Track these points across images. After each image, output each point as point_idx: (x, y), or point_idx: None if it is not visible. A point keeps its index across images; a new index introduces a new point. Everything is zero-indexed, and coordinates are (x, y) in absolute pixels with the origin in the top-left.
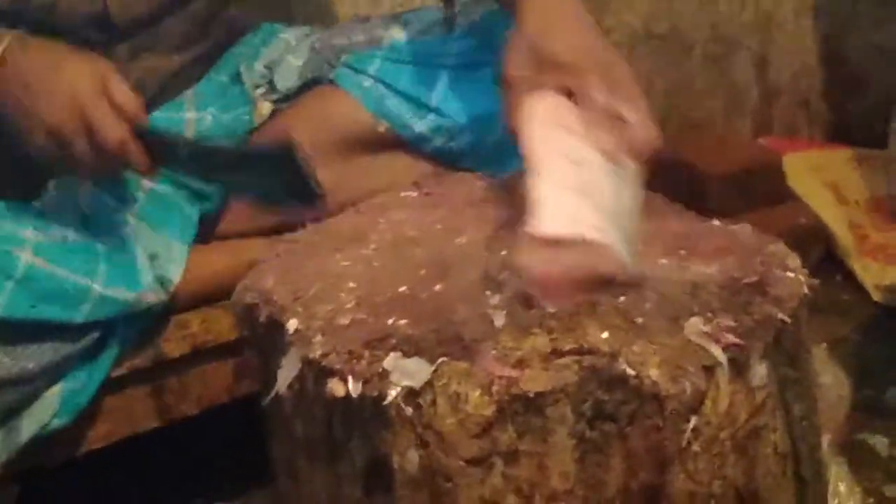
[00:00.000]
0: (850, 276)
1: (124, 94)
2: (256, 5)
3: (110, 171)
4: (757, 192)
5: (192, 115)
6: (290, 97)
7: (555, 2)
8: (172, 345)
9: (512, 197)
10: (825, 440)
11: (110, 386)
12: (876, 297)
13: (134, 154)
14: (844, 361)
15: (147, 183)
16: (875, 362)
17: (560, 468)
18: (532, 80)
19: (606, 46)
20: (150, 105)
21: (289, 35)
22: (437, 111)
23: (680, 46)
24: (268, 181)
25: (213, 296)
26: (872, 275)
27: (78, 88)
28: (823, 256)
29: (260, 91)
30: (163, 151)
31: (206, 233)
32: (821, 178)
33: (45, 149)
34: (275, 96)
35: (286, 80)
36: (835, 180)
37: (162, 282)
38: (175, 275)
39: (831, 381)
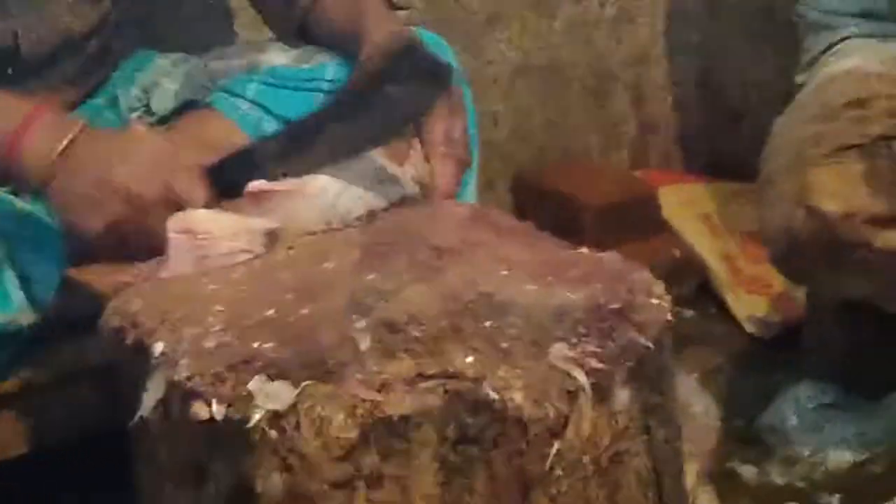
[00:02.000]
0: (723, 308)
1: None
2: (139, 36)
3: None
4: (632, 224)
5: None
6: (166, 120)
7: (381, 30)
8: (43, 369)
9: (379, 221)
10: (695, 469)
11: None
12: (748, 328)
13: None
14: (716, 391)
15: (21, 204)
16: (746, 392)
17: (423, 491)
18: None
19: None
20: None
21: (165, 60)
22: None
23: (559, 80)
24: (396, 93)
25: (85, 319)
26: (745, 306)
27: (160, 157)
28: (698, 288)
29: (136, 114)
30: (244, 171)
31: (80, 255)
32: (695, 211)
33: (113, 226)
34: (151, 119)
35: (162, 102)
36: (709, 213)
37: (34, 304)
38: (47, 297)
39: (702, 411)
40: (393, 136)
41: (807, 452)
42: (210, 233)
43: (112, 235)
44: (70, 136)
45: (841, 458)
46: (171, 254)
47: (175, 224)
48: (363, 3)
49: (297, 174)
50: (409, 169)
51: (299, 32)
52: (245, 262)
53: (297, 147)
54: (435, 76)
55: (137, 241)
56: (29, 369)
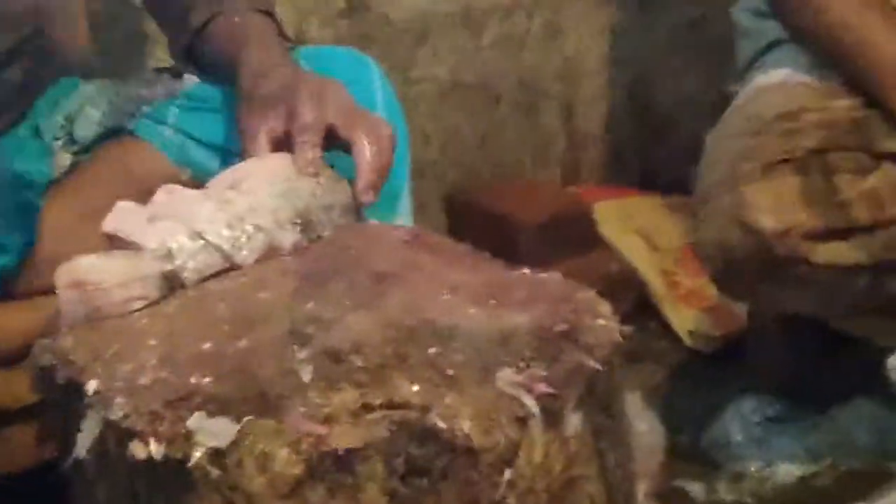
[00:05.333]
0: (662, 323)
1: None
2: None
3: None
4: (567, 241)
5: None
6: (89, 148)
7: (263, 54)
8: None
9: (317, 248)
10: (642, 488)
11: None
12: (688, 342)
13: None
14: (659, 408)
15: None
16: (689, 408)
17: None
18: (255, 127)
19: (313, 75)
20: None
21: (87, 87)
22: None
23: (487, 96)
24: None
25: (11, 356)
26: (684, 321)
27: None
28: (636, 304)
29: (59, 143)
30: None
31: (5, 289)
32: (631, 226)
33: None
34: (74, 148)
35: (85, 130)
36: (645, 227)
37: None
38: None
39: (646, 429)
40: None
41: (754, 467)
42: (100, 283)
43: None
44: None
45: (788, 472)
46: (62, 309)
47: (62, 278)
48: (248, 31)
49: None
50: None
51: (187, 55)
52: (177, 294)
53: None
54: None
55: None
56: None
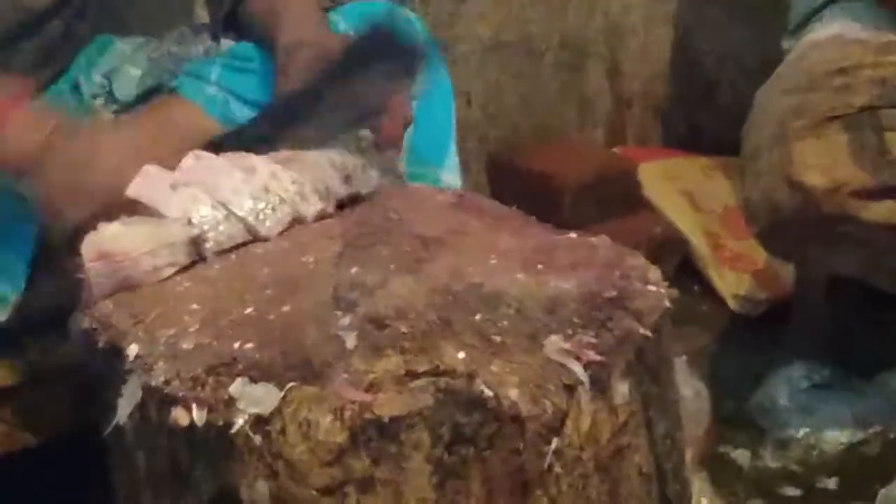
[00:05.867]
0: (707, 286)
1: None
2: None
3: None
4: (611, 202)
5: None
6: (130, 107)
7: (300, 28)
8: (9, 371)
9: (361, 212)
10: (688, 454)
11: None
12: (733, 306)
13: None
14: (704, 373)
15: None
16: (735, 373)
17: (417, 495)
18: None
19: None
20: None
21: (123, 45)
22: None
23: (531, 55)
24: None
25: (53, 317)
26: (729, 284)
27: (143, 152)
28: (680, 266)
29: (99, 101)
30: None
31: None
32: (676, 187)
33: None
34: (115, 106)
35: (126, 88)
36: (690, 189)
37: None
38: (11, 294)
39: (691, 394)
40: (365, 120)
41: (800, 434)
42: (127, 252)
43: (95, 222)
44: (51, 127)
45: (836, 439)
46: (91, 282)
47: (88, 251)
48: (285, 2)
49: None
50: None
51: (227, 21)
52: (219, 257)
53: (273, 132)
54: (407, 62)
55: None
56: None
